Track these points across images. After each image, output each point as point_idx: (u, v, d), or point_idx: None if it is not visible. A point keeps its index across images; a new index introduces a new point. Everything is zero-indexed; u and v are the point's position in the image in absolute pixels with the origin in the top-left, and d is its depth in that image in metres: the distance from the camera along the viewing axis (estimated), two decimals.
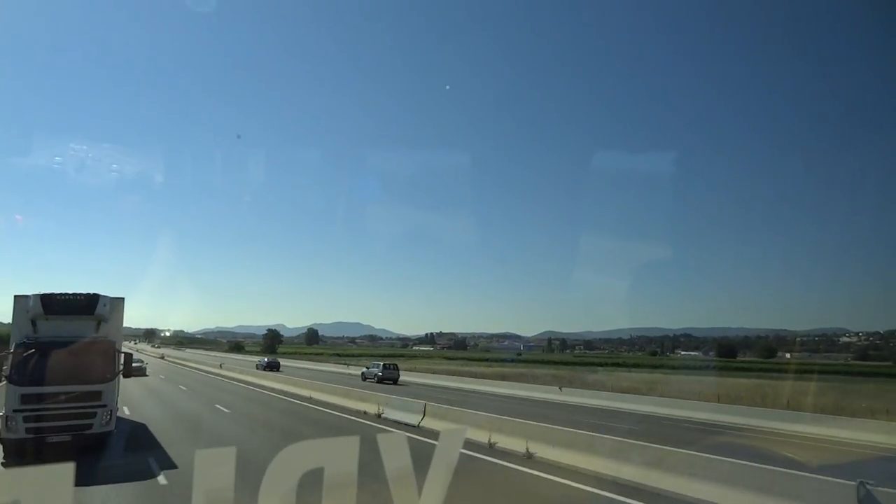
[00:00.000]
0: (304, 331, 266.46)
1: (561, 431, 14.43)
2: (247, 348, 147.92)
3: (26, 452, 12.51)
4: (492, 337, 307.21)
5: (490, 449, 14.84)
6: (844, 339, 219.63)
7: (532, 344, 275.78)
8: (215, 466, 2.05)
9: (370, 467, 2.35)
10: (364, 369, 50.52)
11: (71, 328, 14.32)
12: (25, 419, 12.65)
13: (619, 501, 10.20)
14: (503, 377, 51.98)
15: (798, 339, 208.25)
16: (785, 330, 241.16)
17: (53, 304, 14.27)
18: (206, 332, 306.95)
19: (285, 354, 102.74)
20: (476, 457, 13.81)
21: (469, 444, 14.83)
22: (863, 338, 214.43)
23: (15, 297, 14.64)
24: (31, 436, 12.65)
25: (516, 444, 14.70)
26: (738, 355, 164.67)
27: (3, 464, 12.35)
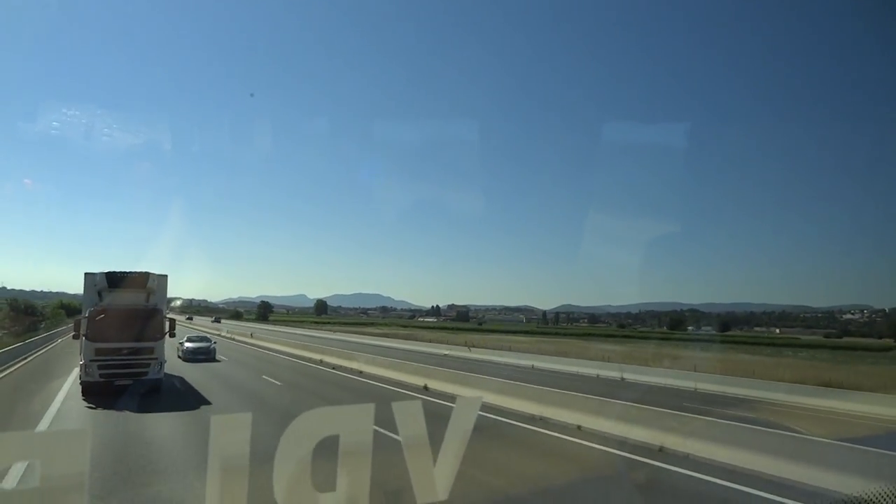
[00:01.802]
0: (326, 301, 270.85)
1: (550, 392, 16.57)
2: (244, 316, 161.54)
3: (99, 392, 16.21)
4: (509, 310, 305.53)
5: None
6: (847, 315, 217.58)
7: (549, 317, 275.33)
8: (230, 432, 1.99)
9: (386, 435, 2.28)
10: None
11: (128, 298, 17.74)
12: (99, 367, 16.50)
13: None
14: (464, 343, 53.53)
15: (802, 314, 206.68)
16: (805, 306, 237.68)
17: (115, 280, 17.70)
18: (229, 302, 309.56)
19: (277, 321, 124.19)
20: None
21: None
22: (866, 315, 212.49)
23: (85, 274, 18.00)
24: (102, 379, 16.52)
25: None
26: (740, 329, 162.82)
27: (83, 400, 15.77)
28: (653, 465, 10.20)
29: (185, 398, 17.35)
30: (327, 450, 2.04)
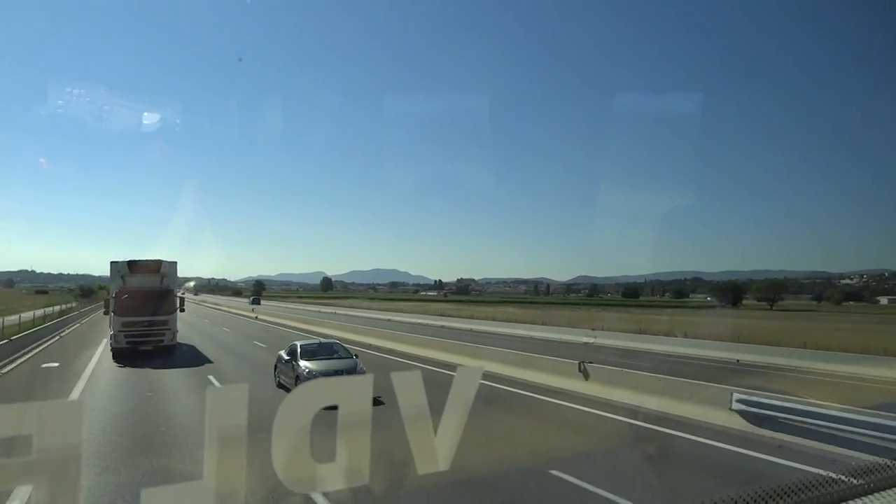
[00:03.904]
0: (343, 277, 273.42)
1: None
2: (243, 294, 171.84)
3: (126, 355, 19.79)
4: (523, 282, 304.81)
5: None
6: (844, 281, 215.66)
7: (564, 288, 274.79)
8: (227, 403, 1.88)
9: (385, 406, 2.18)
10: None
11: (146, 281, 21.31)
12: (125, 336, 20.25)
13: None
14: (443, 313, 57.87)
15: (806, 280, 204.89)
16: (825, 272, 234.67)
17: (135, 265, 21.37)
18: (248, 281, 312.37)
19: (273, 297, 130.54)
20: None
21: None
22: (864, 279, 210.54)
23: (111, 262, 21.40)
24: (128, 346, 20.24)
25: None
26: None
27: (114, 361, 19.48)
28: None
29: (192, 358, 20.83)
30: (326, 421, 1.94)
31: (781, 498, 2.59)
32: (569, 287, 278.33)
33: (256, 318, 49.43)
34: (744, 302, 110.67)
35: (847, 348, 23.92)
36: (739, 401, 10.50)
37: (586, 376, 14.50)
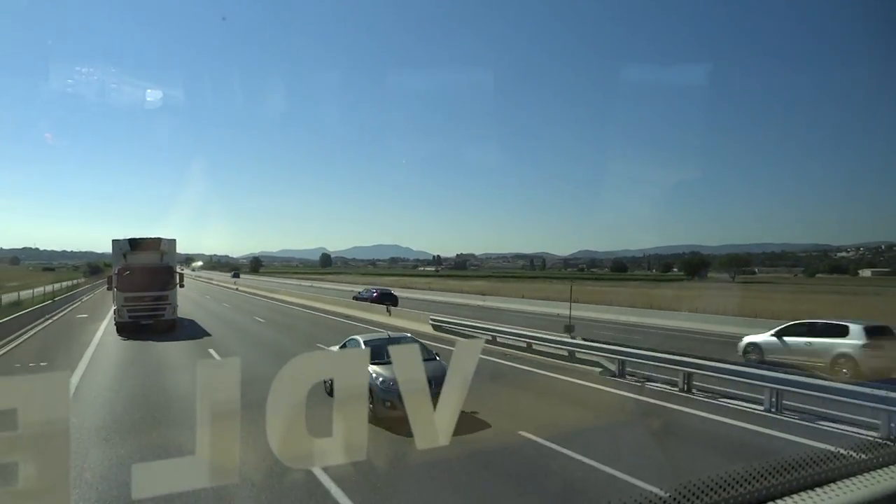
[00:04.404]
0: (345, 253, 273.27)
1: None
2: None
3: (129, 329, 20.82)
4: (524, 257, 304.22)
5: None
6: (840, 254, 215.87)
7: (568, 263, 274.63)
8: (219, 377, 1.80)
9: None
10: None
11: (146, 258, 22.11)
12: (128, 310, 21.12)
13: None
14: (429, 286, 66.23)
15: (804, 253, 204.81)
16: (828, 245, 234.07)
17: (135, 244, 22.15)
18: (250, 257, 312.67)
19: (271, 273, 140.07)
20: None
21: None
22: (857, 252, 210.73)
23: (113, 240, 22.22)
24: (131, 320, 21.10)
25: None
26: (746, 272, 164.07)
27: (118, 335, 20.74)
28: None
29: (190, 331, 22.31)
30: (321, 394, 1.87)
31: (788, 472, 2.54)
32: (566, 262, 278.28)
33: (237, 289, 60.48)
34: (709, 275, 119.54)
35: (730, 312, 28.68)
36: (432, 320, 23.06)
37: (389, 313, 27.15)
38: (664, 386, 12.90)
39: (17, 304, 30.30)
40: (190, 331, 22.54)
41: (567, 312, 25.68)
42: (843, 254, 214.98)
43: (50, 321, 26.99)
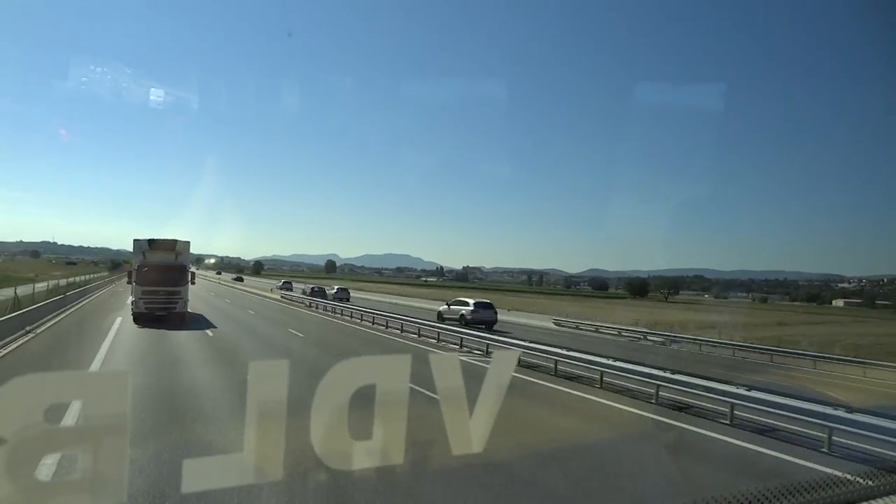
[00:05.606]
0: (356, 261, 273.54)
1: None
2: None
3: (145, 318, 22.24)
4: (533, 272, 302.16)
5: None
6: (842, 285, 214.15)
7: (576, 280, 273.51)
8: (269, 378, 1.89)
9: (422, 384, 2.19)
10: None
11: (163, 257, 23.98)
12: (144, 302, 22.87)
13: None
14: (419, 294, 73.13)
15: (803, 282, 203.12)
16: (838, 275, 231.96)
17: (154, 243, 24.08)
18: (261, 260, 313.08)
19: (276, 276, 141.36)
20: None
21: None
22: (858, 283, 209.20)
23: (134, 240, 24.26)
24: (146, 311, 22.75)
25: None
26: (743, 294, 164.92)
27: (134, 323, 22.01)
28: None
29: (198, 322, 23.83)
30: (364, 399, 1.94)
31: (793, 496, 2.58)
32: (568, 280, 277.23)
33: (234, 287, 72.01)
34: (648, 295, 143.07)
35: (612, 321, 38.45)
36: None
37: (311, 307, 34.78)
38: None
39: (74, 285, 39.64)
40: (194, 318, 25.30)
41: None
42: (844, 285, 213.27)
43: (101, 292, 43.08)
